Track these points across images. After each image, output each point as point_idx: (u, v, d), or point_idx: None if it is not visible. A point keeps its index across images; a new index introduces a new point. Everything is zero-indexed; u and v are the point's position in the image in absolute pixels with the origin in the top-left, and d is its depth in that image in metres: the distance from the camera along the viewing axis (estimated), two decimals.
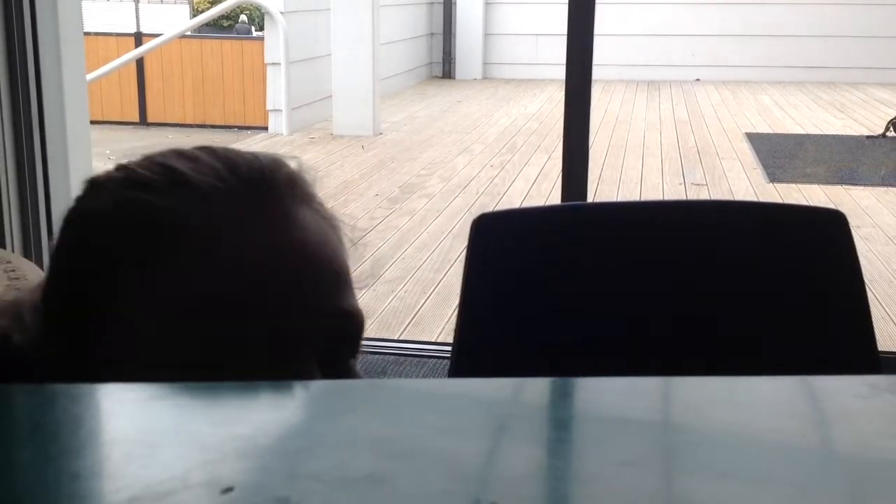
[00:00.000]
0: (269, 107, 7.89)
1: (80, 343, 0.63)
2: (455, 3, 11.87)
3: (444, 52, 12.01)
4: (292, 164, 0.68)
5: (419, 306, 3.65)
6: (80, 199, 0.67)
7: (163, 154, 0.67)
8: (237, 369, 0.60)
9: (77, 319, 0.64)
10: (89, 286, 0.64)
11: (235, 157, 0.66)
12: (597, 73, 3.02)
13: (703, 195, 5.64)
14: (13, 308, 0.68)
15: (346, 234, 0.70)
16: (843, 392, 0.48)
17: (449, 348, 1.24)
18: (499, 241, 1.23)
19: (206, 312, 0.61)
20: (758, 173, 6.26)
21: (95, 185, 0.67)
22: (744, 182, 6.01)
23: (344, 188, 5.80)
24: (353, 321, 0.66)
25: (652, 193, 5.74)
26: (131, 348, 0.62)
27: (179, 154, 0.66)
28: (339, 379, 0.65)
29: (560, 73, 3.13)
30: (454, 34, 11.91)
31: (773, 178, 6.09)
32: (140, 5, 11.51)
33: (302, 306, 0.63)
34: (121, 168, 0.67)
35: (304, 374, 0.62)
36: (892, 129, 7.51)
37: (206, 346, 0.60)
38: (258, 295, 0.61)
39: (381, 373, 2.92)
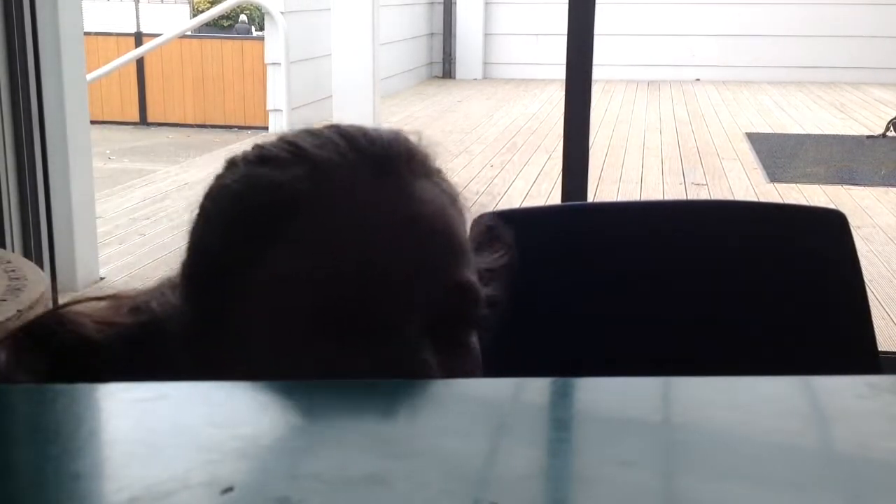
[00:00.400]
0: (269, 107, 7.89)
1: (212, 314, 0.66)
2: (455, 2, 11.87)
3: (445, 52, 12.01)
4: (413, 139, 0.70)
5: None
6: (217, 177, 0.69)
7: (294, 132, 0.69)
8: (349, 341, 0.61)
9: (207, 293, 0.67)
10: (218, 259, 0.66)
11: (356, 132, 0.68)
12: (597, 72, 3.02)
13: (703, 195, 5.64)
14: (157, 287, 0.72)
15: (463, 203, 0.71)
16: (843, 392, 0.48)
17: None
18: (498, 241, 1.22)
19: (322, 281, 0.62)
20: (758, 173, 6.26)
21: (230, 164, 0.69)
22: (744, 182, 6.01)
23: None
24: (469, 294, 0.66)
25: (652, 193, 5.74)
26: (255, 318, 0.64)
27: (308, 132, 0.69)
28: (456, 355, 0.65)
29: (560, 73, 3.13)
30: (454, 34, 11.91)
31: (774, 177, 6.09)
32: (140, 5, 11.51)
33: (415, 276, 0.63)
34: (255, 147, 0.69)
35: (416, 348, 0.62)
36: (892, 128, 7.50)
37: (323, 314, 0.62)
38: (372, 264, 0.63)
39: None
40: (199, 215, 0.69)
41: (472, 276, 0.67)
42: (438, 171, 0.70)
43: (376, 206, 0.64)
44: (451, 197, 0.70)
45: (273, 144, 0.68)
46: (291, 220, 0.64)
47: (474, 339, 0.68)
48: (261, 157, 0.67)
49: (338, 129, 0.68)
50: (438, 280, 0.64)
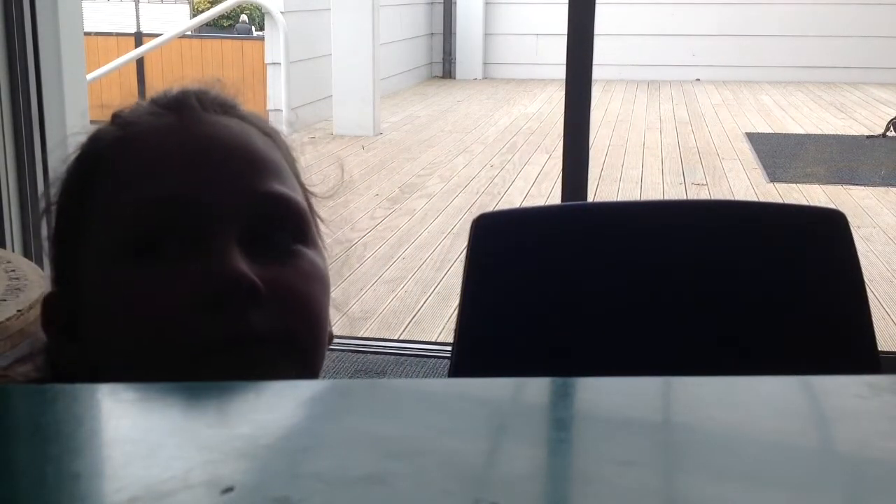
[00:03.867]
0: (269, 107, 7.88)
1: (66, 264, 0.73)
2: (455, 2, 11.86)
3: (445, 52, 12.01)
4: (207, 86, 0.77)
5: (419, 306, 3.65)
6: None
7: None
8: (167, 261, 0.67)
9: (60, 243, 0.74)
10: (62, 210, 0.75)
11: (160, 92, 0.76)
12: (597, 72, 3.02)
13: (703, 195, 5.63)
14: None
15: (282, 138, 0.77)
16: (843, 392, 0.48)
17: (449, 348, 1.24)
18: (499, 241, 1.23)
19: (132, 210, 0.68)
20: (758, 173, 6.26)
21: None
22: (744, 182, 6.00)
23: (344, 188, 5.79)
24: (277, 203, 0.70)
25: (652, 193, 5.74)
26: (90, 256, 0.70)
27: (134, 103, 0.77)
28: (280, 263, 0.69)
29: (560, 72, 3.13)
30: (454, 34, 11.91)
31: (774, 177, 6.09)
32: (140, 5, 11.50)
33: (213, 190, 0.68)
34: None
35: (228, 257, 0.66)
36: (892, 128, 7.50)
37: (137, 240, 0.67)
38: (172, 187, 0.68)
39: (382, 373, 2.92)
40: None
41: (282, 188, 0.71)
42: (238, 109, 0.76)
43: (171, 139, 0.71)
44: (260, 128, 0.75)
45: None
46: (101, 164, 0.72)
47: (305, 251, 0.71)
48: (92, 133, 0.76)
49: (152, 96, 0.76)
50: (239, 192, 0.69)
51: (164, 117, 0.72)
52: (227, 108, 0.75)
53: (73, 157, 0.75)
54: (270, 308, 0.66)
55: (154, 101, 0.74)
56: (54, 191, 0.76)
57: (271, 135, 0.76)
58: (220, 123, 0.73)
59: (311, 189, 0.77)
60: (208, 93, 0.75)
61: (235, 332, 0.64)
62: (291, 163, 0.76)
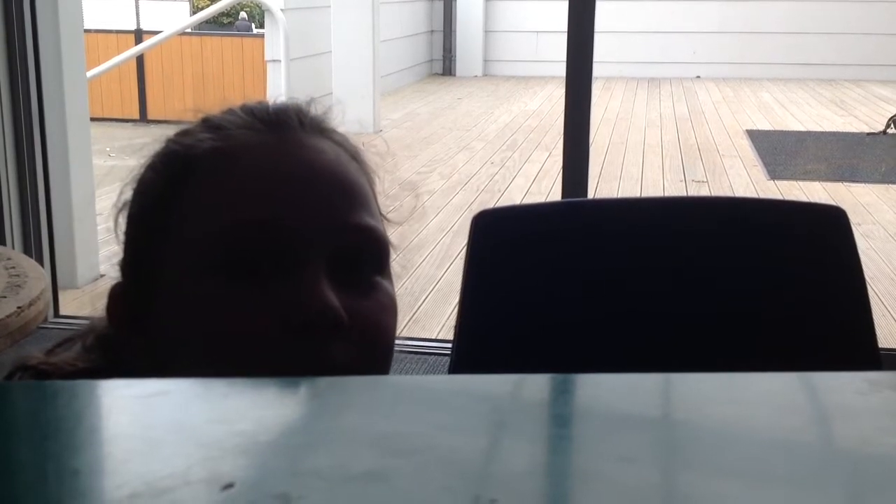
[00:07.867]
0: None
1: (143, 260, 0.73)
2: None
3: (445, 49, 12.00)
4: (304, 103, 0.77)
5: (419, 303, 3.65)
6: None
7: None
8: (251, 281, 0.66)
9: (135, 250, 0.74)
10: (145, 211, 0.74)
11: (254, 103, 0.75)
12: (597, 69, 3.02)
13: (703, 192, 5.64)
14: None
15: (371, 166, 0.77)
16: (843, 388, 0.48)
17: (449, 345, 1.24)
18: (499, 238, 1.23)
19: (222, 225, 0.68)
20: (758, 170, 6.26)
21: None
22: (744, 179, 6.00)
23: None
24: (366, 235, 0.71)
25: (652, 190, 5.74)
26: (172, 262, 0.70)
27: (226, 108, 0.76)
28: (359, 295, 0.69)
29: (561, 70, 3.13)
30: (455, 31, 11.90)
31: (774, 175, 6.09)
32: (140, 2, 11.49)
33: (308, 218, 0.68)
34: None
35: (315, 285, 0.66)
36: (892, 125, 7.50)
37: (223, 256, 0.67)
38: (266, 208, 0.68)
39: None
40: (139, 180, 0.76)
41: (371, 221, 0.72)
42: (333, 130, 0.76)
43: (269, 158, 0.71)
44: (350, 152, 0.75)
45: (193, 122, 0.75)
46: (195, 172, 0.71)
47: (383, 282, 0.72)
48: (180, 132, 0.75)
49: (245, 104, 0.75)
50: (332, 221, 0.69)
51: (263, 134, 0.72)
52: (323, 129, 0.75)
53: (158, 156, 0.74)
54: (351, 339, 0.67)
55: (252, 114, 0.73)
56: (131, 187, 0.75)
57: (357, 158, 0.76)
58: (317, 147, 0.72)
59: (386, 215, 0.77)
60: (307, 111, 0.75)
61: (317, 361, 0.65)
62: (373, 187, 0.76)
